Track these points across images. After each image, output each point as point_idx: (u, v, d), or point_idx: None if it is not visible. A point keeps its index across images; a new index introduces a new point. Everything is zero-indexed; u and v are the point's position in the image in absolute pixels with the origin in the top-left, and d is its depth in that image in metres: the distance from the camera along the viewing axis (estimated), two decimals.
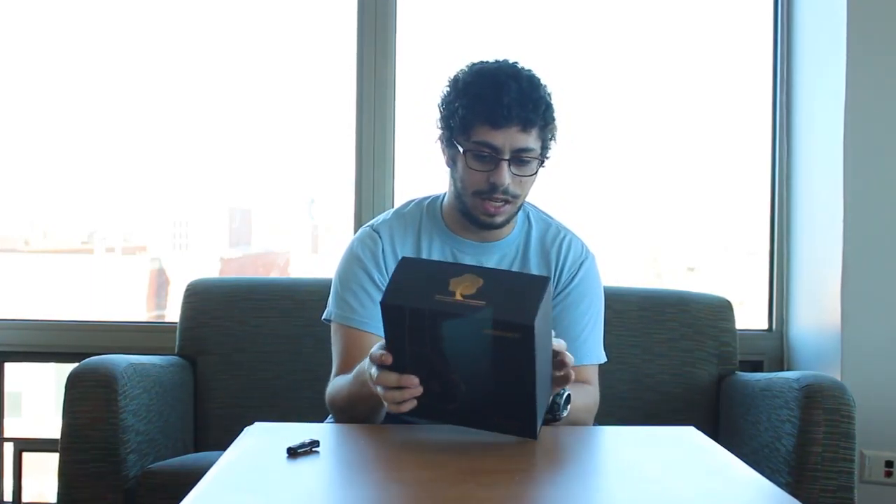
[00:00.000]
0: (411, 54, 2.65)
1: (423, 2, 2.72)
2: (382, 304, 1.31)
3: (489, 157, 1.68)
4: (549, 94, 1.72)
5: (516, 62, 1.72)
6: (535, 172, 1.72)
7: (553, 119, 1.73)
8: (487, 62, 1.72)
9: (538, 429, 1.39)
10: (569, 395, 1.51)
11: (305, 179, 2.94)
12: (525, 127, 1.67)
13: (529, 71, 1.72)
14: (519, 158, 1.68)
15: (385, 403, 1.39)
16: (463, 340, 1.30)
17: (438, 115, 1.77)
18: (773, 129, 2.70)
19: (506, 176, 1.67)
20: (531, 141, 1.68)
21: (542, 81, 1.72)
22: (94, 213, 2.96)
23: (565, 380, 1.42)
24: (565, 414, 1.51)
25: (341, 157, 2.68)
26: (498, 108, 1.65)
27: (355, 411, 1.62)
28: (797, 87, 2.64)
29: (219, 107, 2.84)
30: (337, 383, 1.70)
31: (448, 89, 1.75)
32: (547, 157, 1.75)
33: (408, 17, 2.66)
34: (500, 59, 1.73)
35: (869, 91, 2.36)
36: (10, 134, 2.83)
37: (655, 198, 2.86)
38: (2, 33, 2.80)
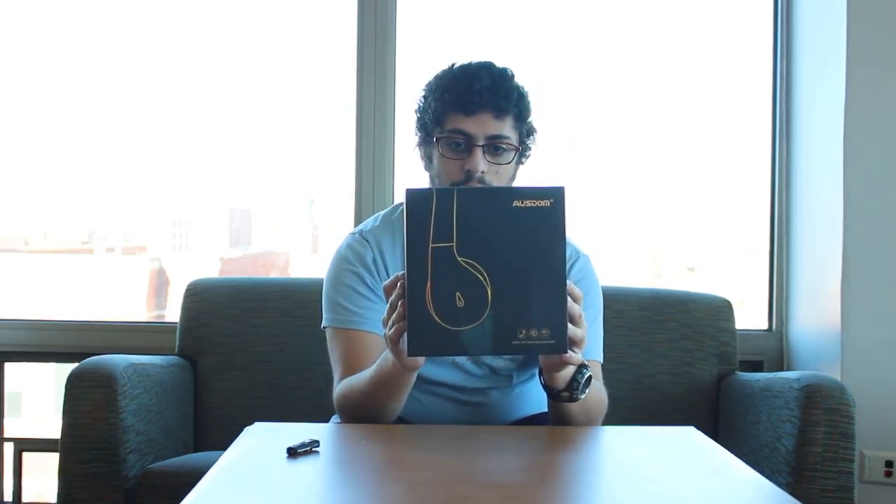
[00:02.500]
0: (411, 54, 2.65)
1: (423, 2, 2.72)
2: (408, 191, 1.32)
3: (463, 145, 1.68)
4: (523, 87, 1.71)
5: (492, 61, 1.72)
6: (511, 162, 1.70)
7: (529, 112, 1.72)
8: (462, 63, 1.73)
9: (566, 342, 1.32)
10: (590, 376, 1.51)
11: (305, 179, 2.94)
12: (498, 114, 1.67)
13: (504, 67, 1.71)
14: (494, 146, 1.68)
15: (392, 344, 1.37)
16: (490, 222, 1.30)
17: (415, 122, 1.77)
18: (772, 129, 2.70)
19: (480, 162, 1.66)
20: (506, 129, 1.68)
21: (517, 77, 1.71)
22: (94, 213, 2.96)
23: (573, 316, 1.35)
24: (583, 396, 1.51)
25: (341, 157, 2.68)
26: (469, 95, 1.66)
27: (373, 401, 1.56)
28: (797, 87, 2.64)
29: (219, 107, 2.84)
30: (349, 381, 1.64)
31: (423, 92, 1.76)
32: (527, 155, 1.75)
33: (408, 17, 2.66)
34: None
35: (869, 91, 2.36)
36: (10, 134, 2.83)
37: (655, 198, 2.86)
38: (2, 33, 2.80)
